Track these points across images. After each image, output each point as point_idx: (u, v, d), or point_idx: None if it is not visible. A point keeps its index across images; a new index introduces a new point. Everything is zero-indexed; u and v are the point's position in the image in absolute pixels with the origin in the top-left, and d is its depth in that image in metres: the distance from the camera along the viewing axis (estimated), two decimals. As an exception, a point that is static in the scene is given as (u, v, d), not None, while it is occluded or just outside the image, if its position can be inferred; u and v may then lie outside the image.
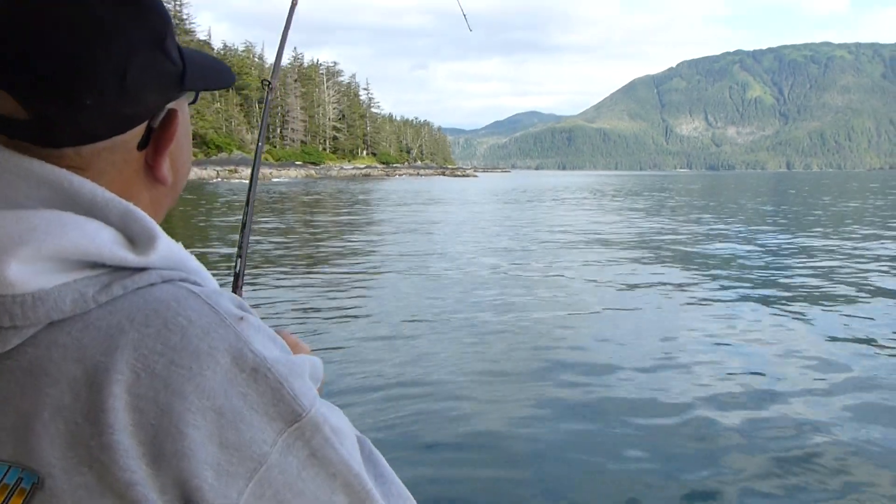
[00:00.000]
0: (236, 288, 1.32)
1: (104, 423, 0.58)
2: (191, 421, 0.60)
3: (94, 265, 0.64)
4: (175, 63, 0.70)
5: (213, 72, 0.79)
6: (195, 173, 64.35)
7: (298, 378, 0.67)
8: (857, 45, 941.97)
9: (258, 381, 0.63)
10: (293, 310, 7.70)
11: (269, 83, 1.64)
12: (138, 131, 0.70)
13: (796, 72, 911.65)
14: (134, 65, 0.65)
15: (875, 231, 17.50)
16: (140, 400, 0.60)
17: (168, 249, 0.68)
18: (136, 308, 0.63)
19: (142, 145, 0.71)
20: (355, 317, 7.50)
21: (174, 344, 0.62)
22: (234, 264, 1.31)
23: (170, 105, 0.73)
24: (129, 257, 0.64)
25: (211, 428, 0.61)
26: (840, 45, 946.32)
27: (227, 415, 0.61)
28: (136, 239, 0.66)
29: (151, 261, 0.66)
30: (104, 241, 0.63)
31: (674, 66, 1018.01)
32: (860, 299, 8.48)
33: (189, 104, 0.80)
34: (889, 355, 6.02)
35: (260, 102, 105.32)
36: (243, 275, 1.29)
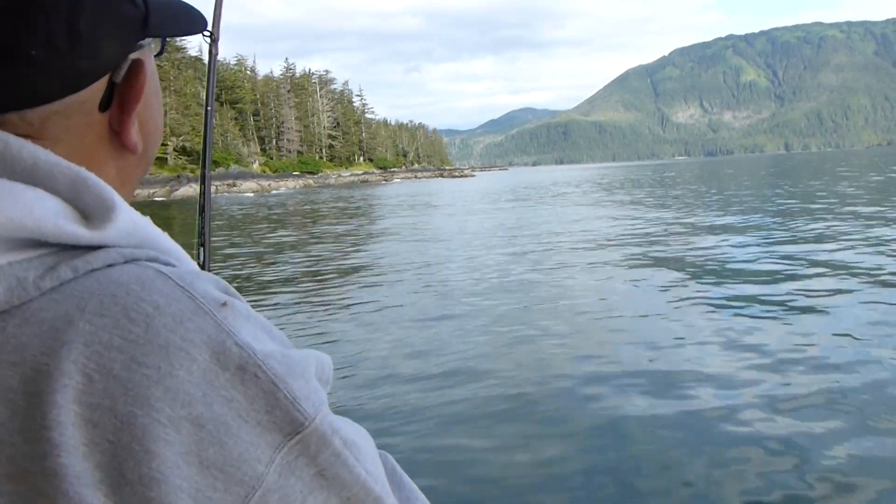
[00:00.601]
0: None
1: (48, 442, 0.47)
2: (160, 435, 0.48)
3: (37, 244, 0.52)
4: (135, 3, 0.58)
5: (179, 15, 0.66)
6: (194, 189, 64.38)
7: (299, 377, 0.54)
8: (849, 23, 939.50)
9: (246, 382, 0.51)
10: (296, 330, 7.81)
11: (211, 34, 1.45)
12: (98, 89, 0.58)
13: (789, 53, 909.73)
14: (87, 6, 0.54)
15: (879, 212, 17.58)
16: (93, 411, 0.47)
17: (131, 223, 0.56)
18: (90, 294, 0.51)
19: (104, 105, 0.59)
20: (366, 328, 7.52)
21: (136, 337, 0.50)
22: (196, 253, 1.07)
23: (133, 55, 0.60)
24: (80, 233, 0.52)
25: (187, 443, 0.49)
26: (831, 25, 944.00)
27: (207, 426, 0.49)
28: (89, 211, 0.54)
29: (109, 236, 0.54)
30: (46, 214, 0.51)
31: (666, 54, 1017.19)
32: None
33: (155, 56, 0.66)
34: None
35: (255, 115, 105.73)
36: (209, 266, 1.07)
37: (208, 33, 1.49)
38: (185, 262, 0.61)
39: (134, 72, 0.60)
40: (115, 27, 0.57)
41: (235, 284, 8.82)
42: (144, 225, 0.58)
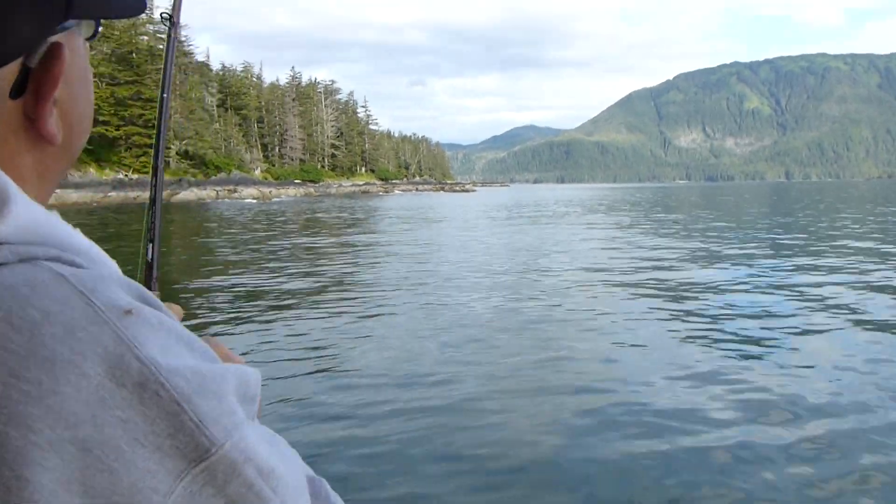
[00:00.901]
0: (149, 280, 1.05)
1: None
2: (37, 460, 0.42)
3: None
4: None
5: None
6: (195, 193, 64.62)
7: (212, 397, 0.48)
8: (853, 55, 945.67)
9: (146, 402, 0.45)
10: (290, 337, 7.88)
11: (171, 17, 1.38)
12: (9, 74, 0.52)
13: (793, 83, 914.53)
14: None
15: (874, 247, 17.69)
16: None
17: (30, 218, 0.50)
18: None
19: (16, 92, 0.53)
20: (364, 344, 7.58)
21: (17, 347, 0.44)
22: (143, 251, 1.04)
23: (53, 38, 0.54)
24: None
25: (69, 470, 0.43)
26: (836, 56, 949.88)
27: (95, 450, 0.43)
28: None
29: (2, 232, 0.48)
30: None
31: (671, 78, 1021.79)
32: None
33: (87, 40, 0.61)
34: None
35: (259, 122, 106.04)
36: (158, 264, 1.05)
37: (167, 15, 1.38)
38: (100, 263, 0.55)
39: (51, 56, 0.54)
40: (30, 7, 0.51)
41: (235, 292, 8.89)
42: (47, 220, 0.52)
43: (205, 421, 0.47)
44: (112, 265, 0.57)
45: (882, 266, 13.64)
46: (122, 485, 0.44)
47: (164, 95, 1.12)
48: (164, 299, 0.59)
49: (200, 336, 0.52)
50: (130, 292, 0.51)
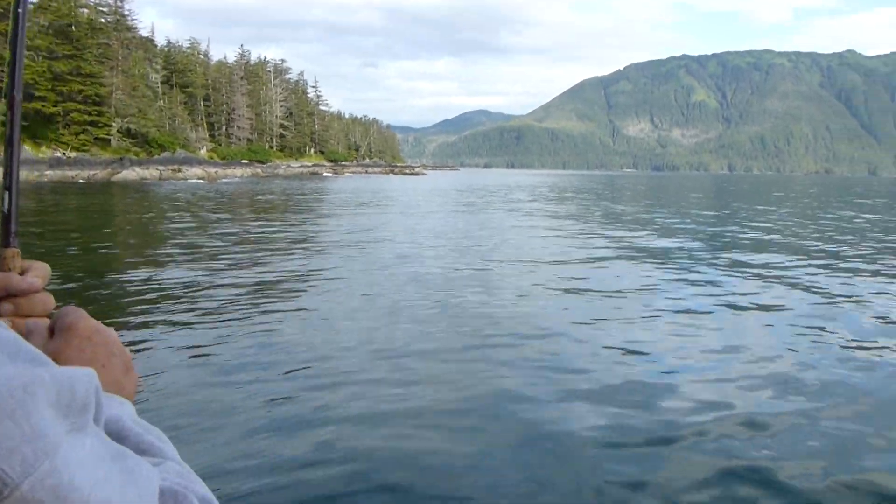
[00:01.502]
0: (7, 235, 0.88)
1: None
2: None
3: None
4: None
5: None
6: (136, 173, 62.77)
7: (5, 419, 0.36)
8: (797, 53, 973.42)
9: None
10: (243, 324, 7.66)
11: None
12: None
13: (739, 77, 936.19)
14: None
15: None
16: None
17: None
18: None
19: None
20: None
21: None
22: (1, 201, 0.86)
23: None
24: None
25: None
26: (781, 53, 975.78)
27: None
28: None
29: None
30: None
31: (621, 68, 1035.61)
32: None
33: None
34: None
35: (205, 100, 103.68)
36: (16, 216, 0.89)
37: None
38: None
39: None
40: None
41: (168, 283, 8.47)
42: None
43: None
44: None
45: (808, 262, 14.01)
46: None
47: (20, 11, 0.97)
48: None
49: (56, 308, 0.40)
50: None
